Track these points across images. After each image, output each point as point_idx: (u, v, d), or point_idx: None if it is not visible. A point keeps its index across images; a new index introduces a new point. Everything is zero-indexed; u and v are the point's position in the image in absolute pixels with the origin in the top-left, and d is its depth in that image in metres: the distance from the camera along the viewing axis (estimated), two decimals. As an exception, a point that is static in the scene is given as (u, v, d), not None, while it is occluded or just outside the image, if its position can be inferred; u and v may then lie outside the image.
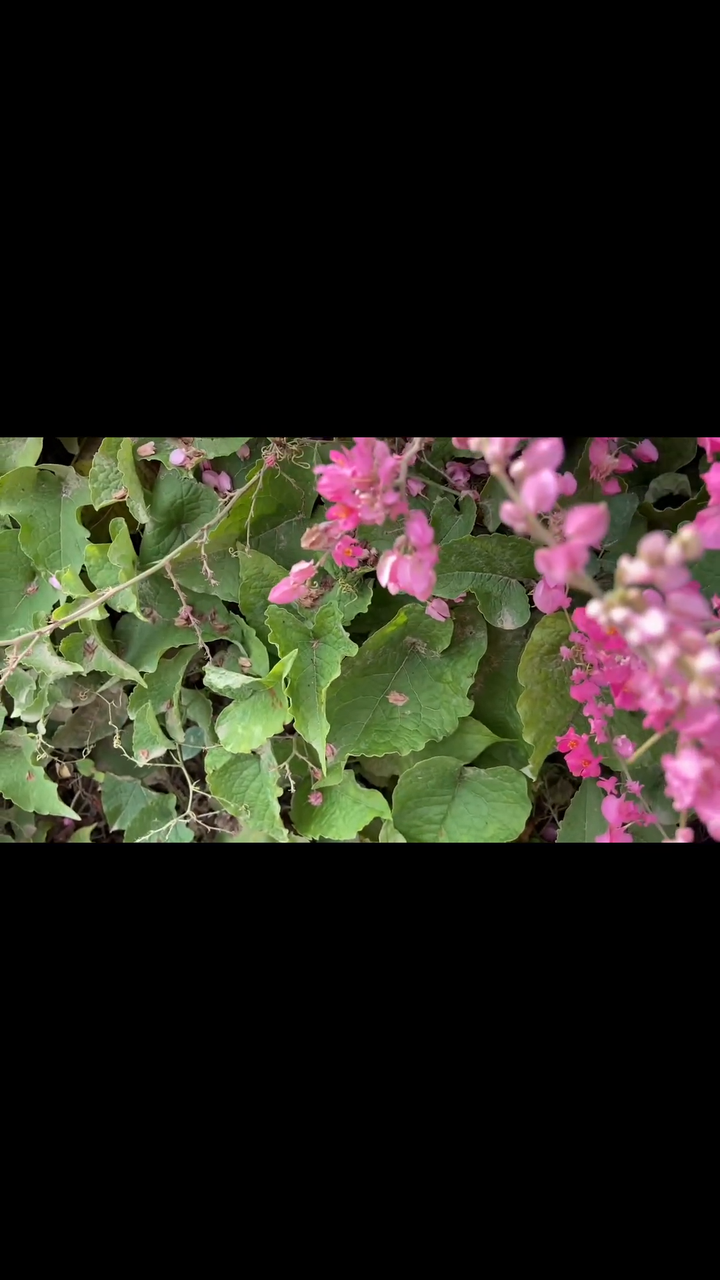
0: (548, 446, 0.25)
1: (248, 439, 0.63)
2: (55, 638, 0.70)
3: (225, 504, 0.62)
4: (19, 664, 0.72)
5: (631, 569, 0.23)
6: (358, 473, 0.38)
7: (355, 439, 0.38)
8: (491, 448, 0.26)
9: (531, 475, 0.25)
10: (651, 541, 0.23)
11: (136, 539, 0.69)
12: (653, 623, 0.22)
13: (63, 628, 0.67)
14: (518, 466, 0.26)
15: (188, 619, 0.69)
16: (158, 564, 0.62)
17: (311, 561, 0.45)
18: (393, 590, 0.39)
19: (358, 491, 0.38)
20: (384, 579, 0.39)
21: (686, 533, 0.22)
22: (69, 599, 0.67)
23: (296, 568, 0.45)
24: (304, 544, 0.46)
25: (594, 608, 0.24)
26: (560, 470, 0.53)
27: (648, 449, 0.55)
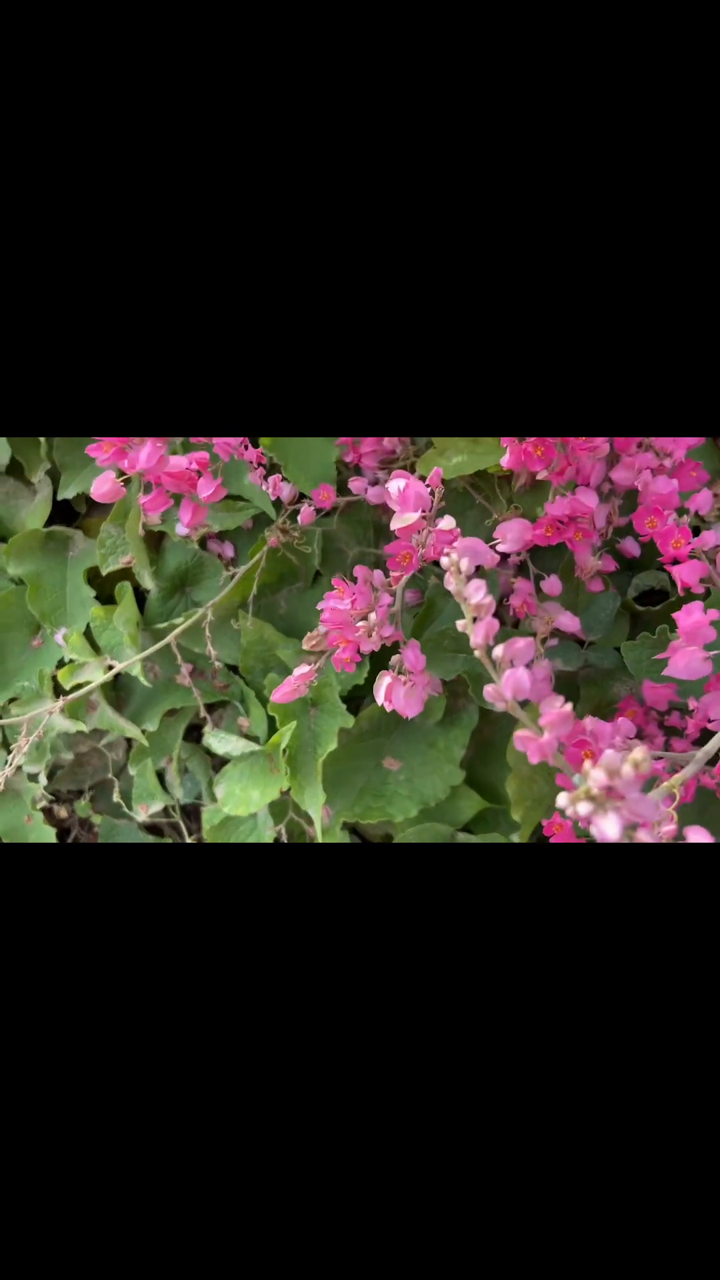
0: (523, 644, 0.29)
1: (252, 513, 0.67)
2: (58, 692, 0.74)
3: (229, 580, 0.66)
4: (19, 714, 0.75)
5: (594, 776, 0.26)
6: (357, 604, 0.41)
7: (356, 571, 0.41)
8: (475, 638, 0.30)
9: (509, 669, 0.29)
10: (608, 758, 0.26)
11: (141, 596, 0.72)
12: (610, 826, 0.25)
13: (68, 689, 0.71)
14: (498, 652, 0.30)
15: (188, 677, 0.73)
16: (164, 640, 0.65)
17: (311, 666, 0.48)
18: (387, 709, 0.43)
19: (357, 622, 0.41)
20: (380, 698, 0.42)
21: (638, 752, 0.26)
22: (73, 660, 0.71)
23: (297, 671, 0.48)
24: (305, 645, 0.49)
25: (562, 799, 0.27)
26: (546, 571, 0.56)
27: (630, 545, 0.58)
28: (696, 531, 0.47)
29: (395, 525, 0.39)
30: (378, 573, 0.43)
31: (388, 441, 0.54)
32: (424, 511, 0.39)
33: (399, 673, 0.42)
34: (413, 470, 0.57)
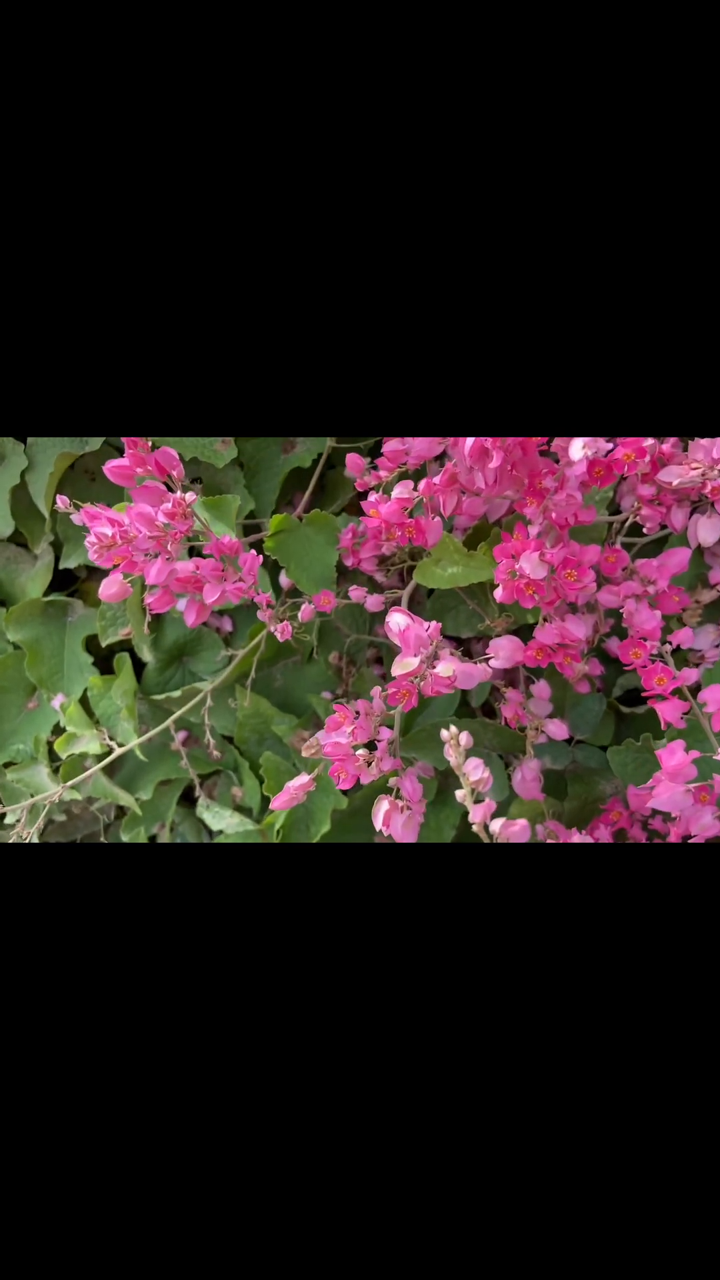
0: (519, 828, 0.32)
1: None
2: (53, 755, 0.76)
3: (227, 659, 0.69)
4: (14, 780, 0.78)
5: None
6: (357, 735, 0.44)
7: (357, 704, 0.45)
8: (474, 815, 0.33)
9: (508, 835, 0.32)
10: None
11: (139, 664, 0.75)
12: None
13: (64, 758, 0.74)
14: (495, 828, 0.33)
15: (183, 744, 0.75)
16: (161, 726, 0.68)
17: (309, 776, 0.51)
18: (383, 834, 0.46)
19: (357, 751, 0.44)
20: (378, 824, 0.45)
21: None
22: (70, 731, 0.73)
23: (296, 781, 0.51)
24: (303, 753, 0.52)
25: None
26: (535, 676, 0.60)
27: (615, 645, 0.61)
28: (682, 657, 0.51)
29: (396, 671, 0.42)
30: (378, 702, 0.46)
31: (386, 546, 0.58)
32: (422, 654, 0.42)
33: (396, 797, 0.46)
34: (406, 578, 0.60)
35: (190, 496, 0.44)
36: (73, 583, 0.81)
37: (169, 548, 0.45)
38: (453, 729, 0.35)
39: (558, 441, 0.45)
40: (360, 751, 0.44)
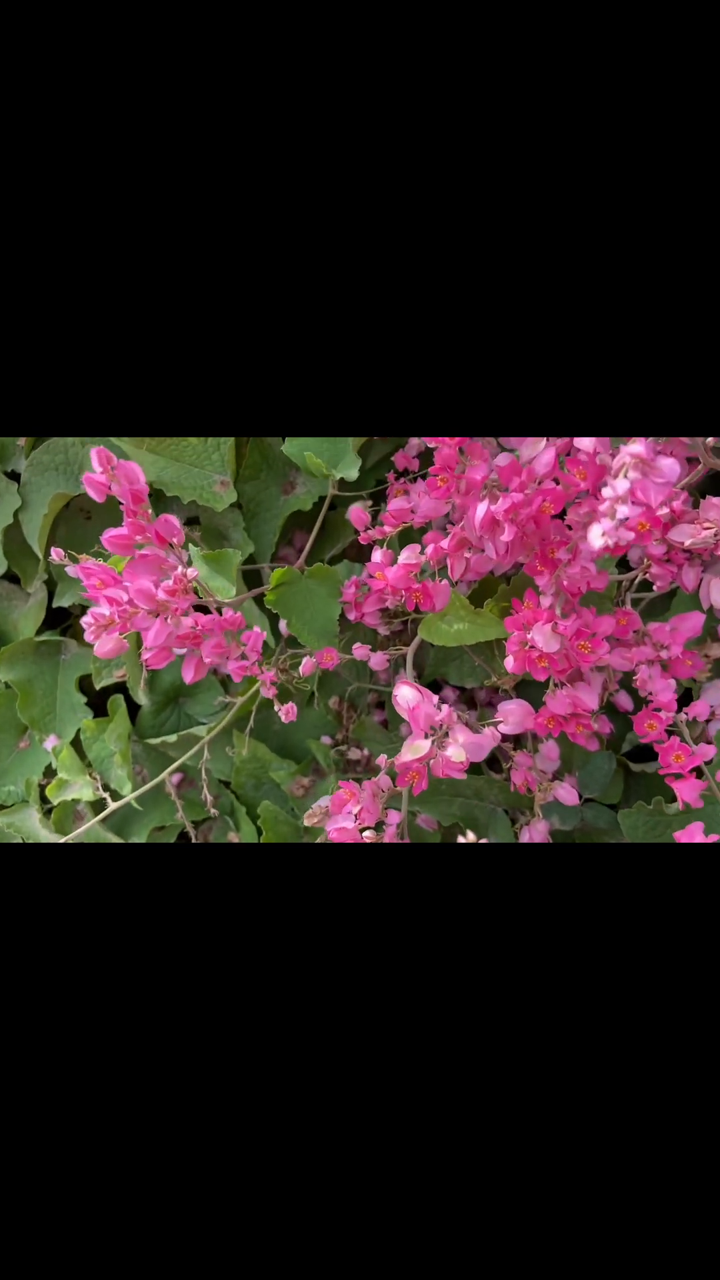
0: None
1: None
2: (44, 797, 0.75)
3: (224, 705, 0.67)
4: (4, 824, 0.77)
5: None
6: (363, 818, 0.43)
7: (365, 785, 0.44)
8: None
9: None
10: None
11: (134, 705, 0.74)
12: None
13: (54, 803, 0.72)
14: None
15: (177, 787, 0.74)
16: (154, 781, 0.67)
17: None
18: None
19: (363, 832, 0.43)
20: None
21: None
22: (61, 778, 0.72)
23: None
24: (306, 821, 0.51)
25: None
26: (547, 737, 0.58)
27: (624, 700, 0.60)
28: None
29: (406, 755, 0.41)
30: (384, 778, 0.45)
31: (390, 600, 0.56)
32: (433, 735, 0.41)
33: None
34: (410, 629, 0.59)
35: (192, 572, 0.43)
36: (66, 618, 0.80)
37: (169, 619, 0.44)
38: (467, 835, 0.34)
39: (572, 514, 0.44)
40: (367, 833, 0.43)
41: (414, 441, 0.63)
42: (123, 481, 0.43)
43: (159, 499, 0.72)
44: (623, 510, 0.35)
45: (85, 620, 0.43)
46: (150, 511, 0.45)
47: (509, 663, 0.47)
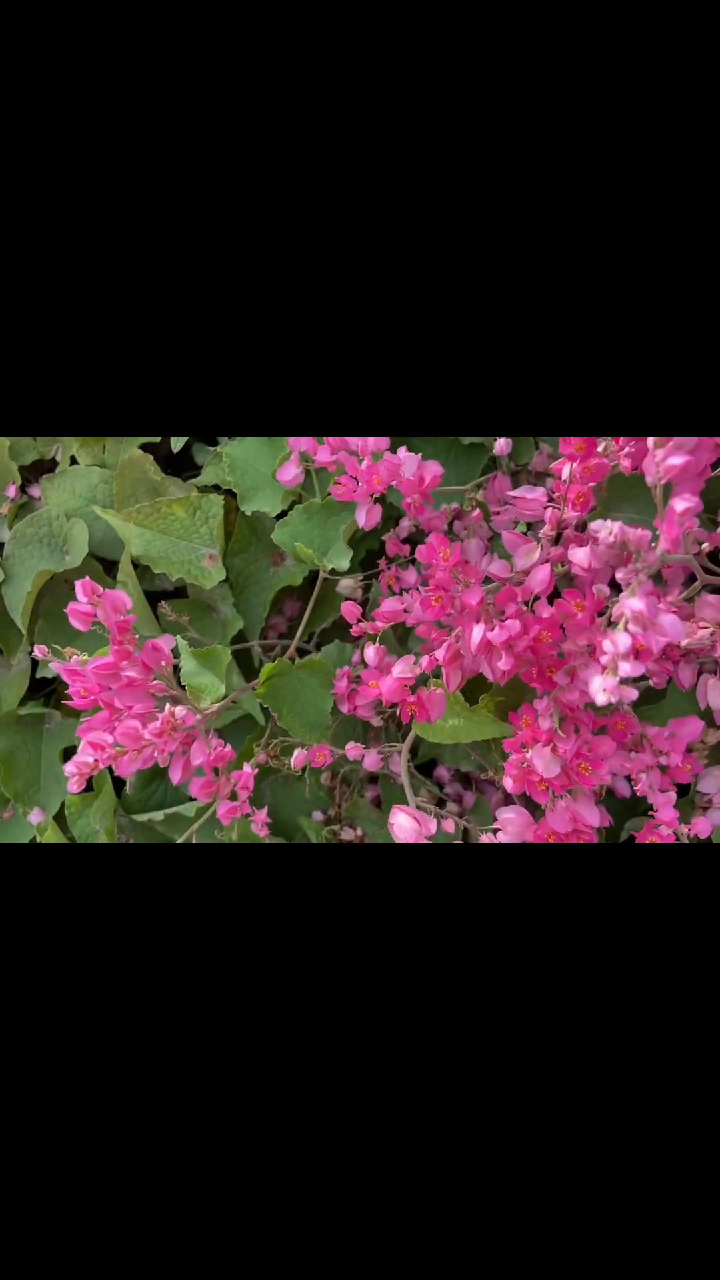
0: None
1: (241, 714, 0.68)
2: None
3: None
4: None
5: None
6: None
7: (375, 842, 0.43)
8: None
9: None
10: None
11: (119, 778, 0.73)
12: None
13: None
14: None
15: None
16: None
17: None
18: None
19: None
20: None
21: None
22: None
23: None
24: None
25: None
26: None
27: (622, 786, 0.60)
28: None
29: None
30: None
31: (387, 697, 0.56)
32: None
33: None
34: (403, 729, 0.59)
35: (180, 711, 0.42)
36: (50, 684, 0.79)
37: (156, 752, 0.43)
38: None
39: (570, 639, 0.44)
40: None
41: (404, 523, 0.62)
42: (108, 610, 0.42)
43: (146, 573, 0.71)
44: (625, 667, 0.35)
45: (69, 769, 0.42)
46: (137, 638, 0.44)
47: (508, 783, 0.46)
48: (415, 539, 0.63)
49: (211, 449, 0.72)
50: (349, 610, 0.55)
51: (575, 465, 0.44)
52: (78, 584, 0.42)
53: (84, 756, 0.41)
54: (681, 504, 0.34)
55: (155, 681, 0.44)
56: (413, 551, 0.62)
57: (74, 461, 0.73)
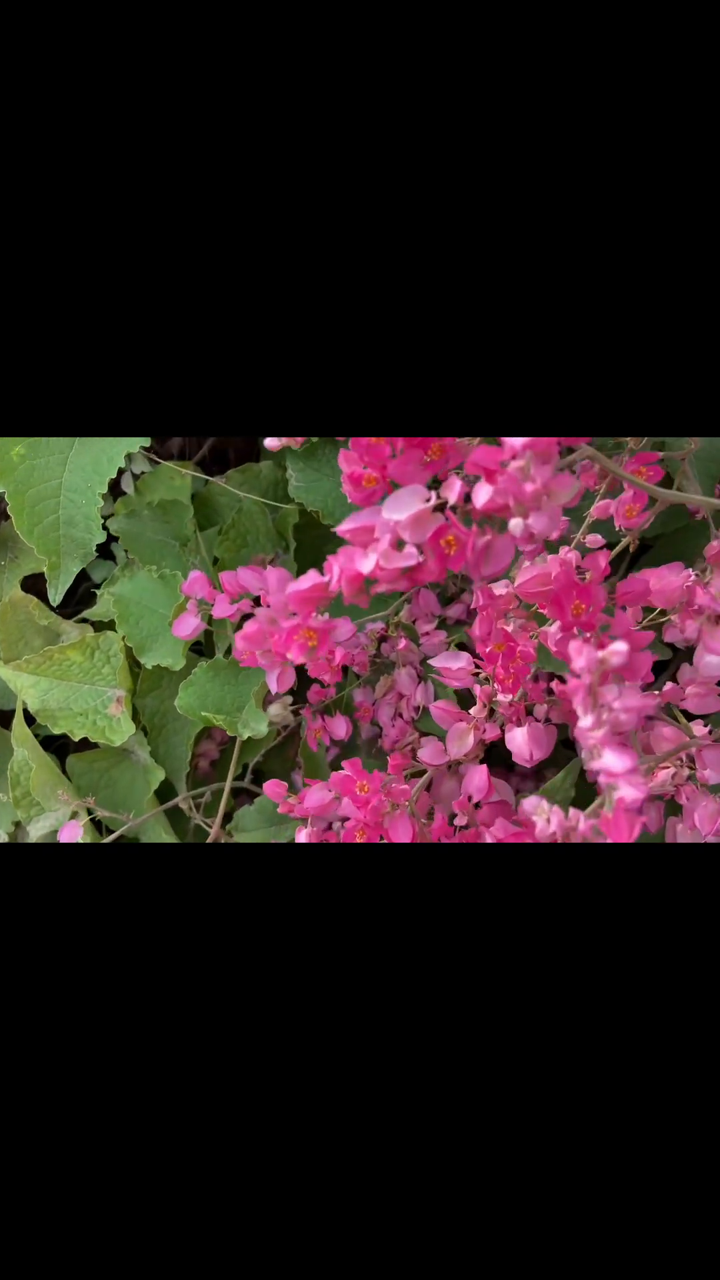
0: None
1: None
2: None
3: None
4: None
5: None
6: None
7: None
8: None
9: None
10: None
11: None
12: None
13: None
14: None
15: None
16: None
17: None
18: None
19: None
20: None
21: None
22: None
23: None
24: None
25: None
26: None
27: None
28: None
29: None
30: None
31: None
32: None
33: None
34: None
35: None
36: None
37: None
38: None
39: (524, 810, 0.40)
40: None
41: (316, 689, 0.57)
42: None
43: (50, 742, 0.65)
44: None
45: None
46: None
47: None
48: (342, 684, 0.58)
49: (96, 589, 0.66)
50: (272, 790, 0.50)
51: (498, 665, 0.39)
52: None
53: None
54: (630, 794, 0.29)
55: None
56: (343, 678, 0.57)
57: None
